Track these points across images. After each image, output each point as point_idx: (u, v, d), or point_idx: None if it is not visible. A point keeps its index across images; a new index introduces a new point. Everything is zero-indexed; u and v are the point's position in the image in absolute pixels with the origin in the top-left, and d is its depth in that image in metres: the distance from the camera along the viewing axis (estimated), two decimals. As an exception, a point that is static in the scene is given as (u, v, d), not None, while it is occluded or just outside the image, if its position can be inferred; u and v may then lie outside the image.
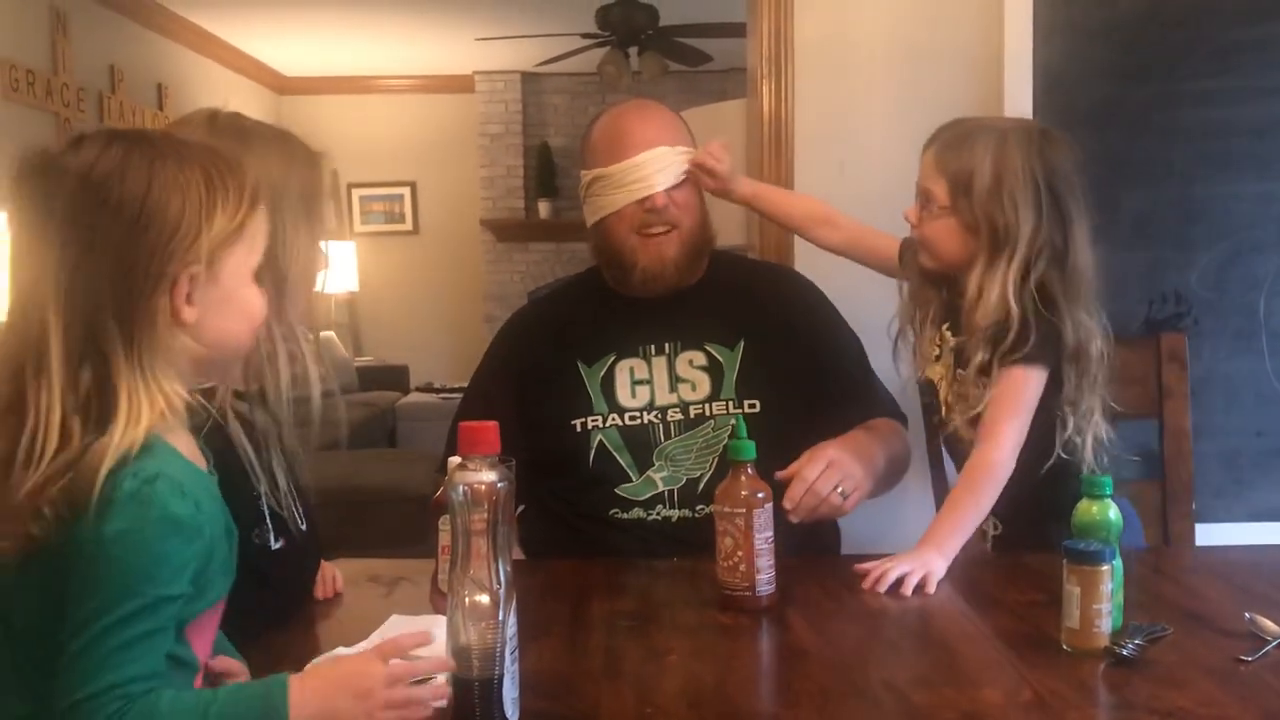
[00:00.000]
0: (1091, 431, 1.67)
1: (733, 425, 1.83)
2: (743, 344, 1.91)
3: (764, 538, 1.45)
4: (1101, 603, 1.27)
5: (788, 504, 1.62)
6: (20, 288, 0.96)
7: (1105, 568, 1.28)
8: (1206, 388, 2.28)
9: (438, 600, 1.42)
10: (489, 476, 1.05)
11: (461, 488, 1.05)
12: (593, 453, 1.87)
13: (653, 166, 1.84)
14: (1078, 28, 2.36)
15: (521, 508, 2.02)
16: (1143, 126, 2.37)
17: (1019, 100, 2.33)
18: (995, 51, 2.35)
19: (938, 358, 1.78)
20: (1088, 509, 1.40)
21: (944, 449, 1.92)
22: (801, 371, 1.88)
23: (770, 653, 1.37)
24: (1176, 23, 2.36)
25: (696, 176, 1.89)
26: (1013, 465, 1.61)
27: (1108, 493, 1.40)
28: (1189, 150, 2.37)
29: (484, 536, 1.05)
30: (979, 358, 1.65)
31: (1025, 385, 1.63)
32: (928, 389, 1.82)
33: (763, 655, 1.37)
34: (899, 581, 1.50)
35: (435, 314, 8.26)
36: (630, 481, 1.84)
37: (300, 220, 1.35)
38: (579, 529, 1.85)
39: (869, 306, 1.94)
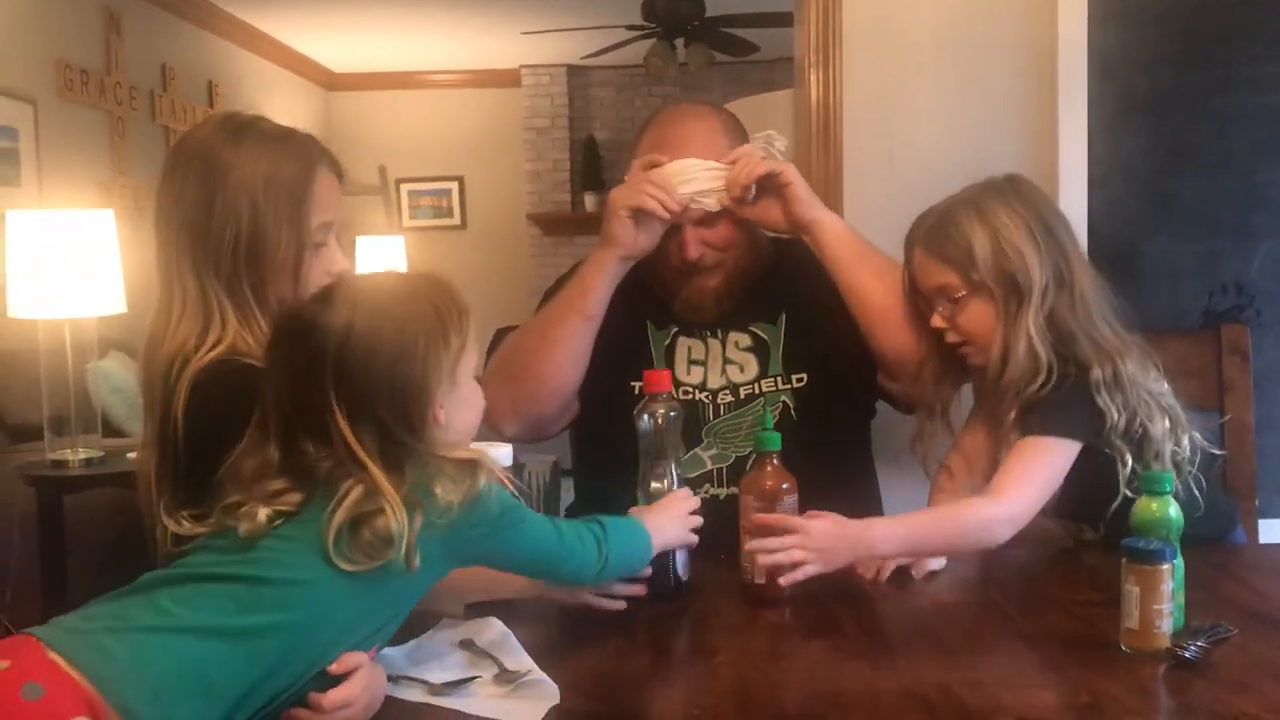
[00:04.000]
0: (1169, 445, 1.58)
1: (783, 402, 1.85)
2: (784, 317, 1.91)
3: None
4: (1162, 603, 1.24)
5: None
6: (308, 409, 1.14)
7: (1165, 567, 1.25)
8: (1270, 380, 2.22)
9: None
10: (665, 409, 1.50)
11: (647, 417, 1.49)
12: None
13: (676, 178, 1.79)
14: (1133, 13, 2.31)
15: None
16: (1201, 113, 2.32)
17: (1073, 88, 2.29)
18: (1049, 38, 2.31)
19: None
20: (1147, 506, 1.36)
21: None
22: (843, 335, 1.84)
23: (820, 653, 1.34)
24: (1234, 7, 2.30)
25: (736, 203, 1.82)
26: (1007, 537, 1.51)
27: (1168, 489, 1.36)
28: (1248, 137, 2.32)
29: (663, 449, 1.50)
30: (1011, 416, 1.59)
31: (1049, 456, 1.54)
32: None
33: (813, 657, 1.35)
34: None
35: (482, 308, 8.05)
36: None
37: (284, 213, 1.43)
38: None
39: None
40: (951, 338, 1.68)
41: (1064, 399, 1.56)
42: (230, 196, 1.41)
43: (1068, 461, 1.55)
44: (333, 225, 1.50)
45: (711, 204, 1.81)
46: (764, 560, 1.42)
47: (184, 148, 1.48)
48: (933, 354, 1.74)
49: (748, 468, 1.81)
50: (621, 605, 1.41)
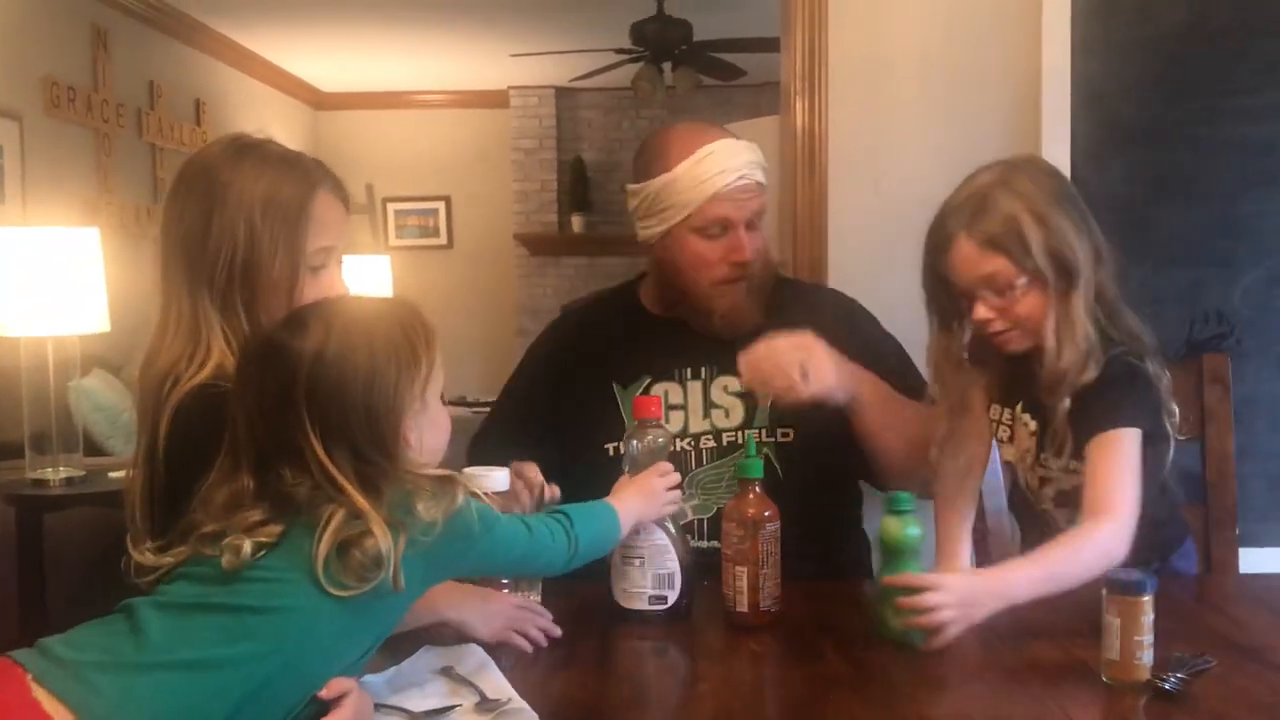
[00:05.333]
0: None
1: (765, 455, 1.80)
2: None
3: (768, 555, 1.46)
4: (1143, 634, 1.24)
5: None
6: (280, 435, 1.14)
7: (1146, 598, 1.25)
8: (1250, 409, 2.23)
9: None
10: (653, 435, 1.52)
11: (636, 443, 1.51)
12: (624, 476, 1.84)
13: (727, 155, 1.78)
14: (1117, 43, 2.32)
15: None
16: (1184, 143, 2.34)
17: (1057, 117, 2.30)
18: (1033, 67, 2.32)
19: (1009, 439, 1.68)
20: (891, 525, 1.42)
21: (1012, 513, 1.86)
22: (840, 411, 1.79)
23: (803, 683, 1.34)
24: (1217, 38, 2.32)
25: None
26: (1129, 544, 1.43)
27: (909, 508, 1.42)
28: (1231, 166, 2.33)
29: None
30: (1065, 405, 1.54)
31: (1128, 448, 1.49)
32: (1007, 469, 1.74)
33: (796, 685, 1.34)
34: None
35: (468, 328, 8.26)
36: None
37: (280, 234, 1.43)
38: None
39: (906, 313, 1.87)
40: (997, 326, 1.58)
41: (1122, 386, 1.53)
42: (228, 215, 1.41)
43: (1139, 448, 1.51)
44: (334, 250, 1.49)
45: (760, 176, 1.82)
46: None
47: (189, 166, 1.48)
48: (955, 352, 1.67)
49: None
50: (529, 648, 1.39)
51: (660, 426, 1.54)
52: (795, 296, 1.99)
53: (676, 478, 1.49)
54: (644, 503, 1.45)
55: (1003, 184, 1.56)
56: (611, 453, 1.83)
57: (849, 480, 1.95)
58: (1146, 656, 1.24)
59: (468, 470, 1.46)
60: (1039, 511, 1.68)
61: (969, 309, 1.59)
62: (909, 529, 1.41)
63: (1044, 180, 1.58)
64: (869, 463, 1.85)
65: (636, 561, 1.49)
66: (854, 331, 1.93)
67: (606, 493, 1.77)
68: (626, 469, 1.52)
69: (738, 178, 1.78)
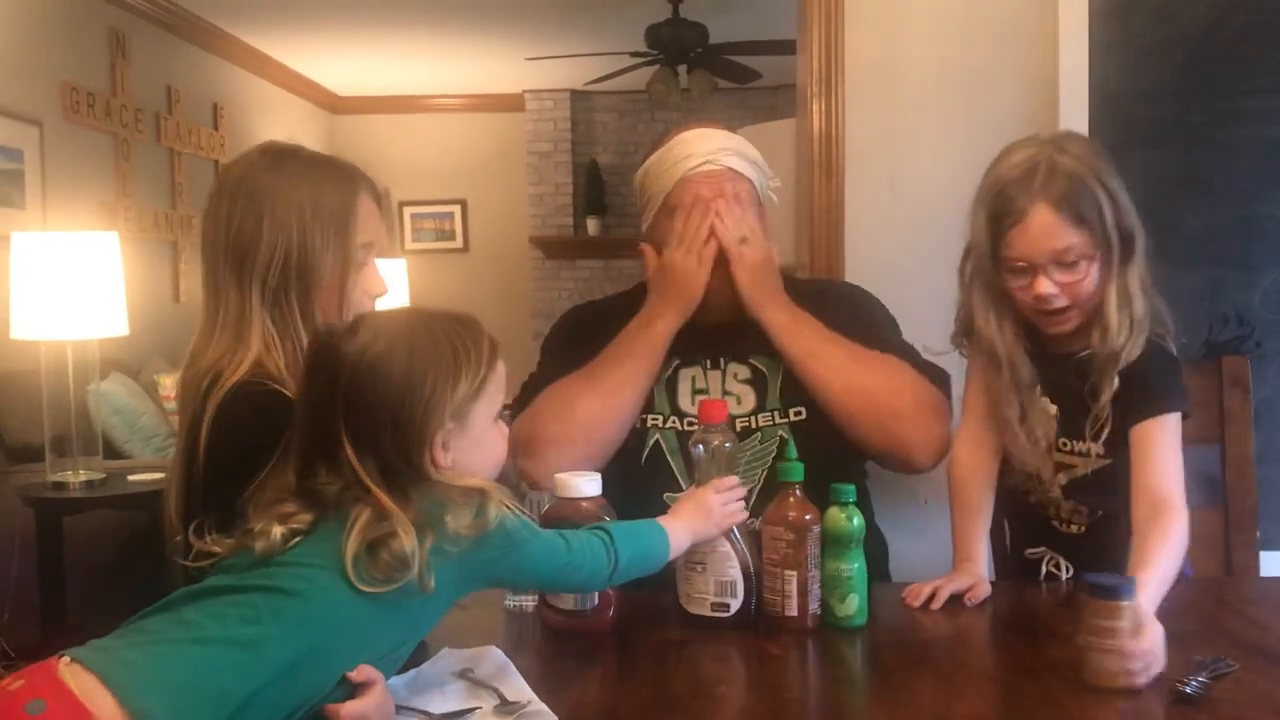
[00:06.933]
0: None
1: (780, 437, 1.83)
2: None
3: (812, 559, 1.45)
4: (1121, 639, 1.22)
5: None
6: (321, 433, 1.18)
7: (1126, 604, 1.23)
8: (1270, 411, 2.22)
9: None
10: (721, 439, 1.50)
11: (701, 448, 1.50)
12: (646, 451, 1.85)
13: (695, 141, 1.83)
14: (1135, 45, 2.32)
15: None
16: (1202, 144, 2.33)
17: (1075, 118, 2.29)
18: (1051, 69, 2.32)
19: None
20: (838, 517, 1.46)
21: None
22: None
23: (821, 685, 1.34)
24: (1236, 39, 2.31)
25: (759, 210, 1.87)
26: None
27: (852, 499, 1.47)
28: (1250, 168, 2.32)
29: (710, 477, 1.48)
30: (1114, 385, 1.52)
31: (1174, 434, 1.51)
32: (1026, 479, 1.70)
33: (814, 687, 1.34)
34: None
35: None
36: (679, 490, 1.80)
37: (330, 233, 1.49)
38: None
39: (924, 315, 1.90)
40: (1059, 303, 1.54)
41: (1163, 369, 1.54)
42: (279, 217, 1.47)
43: (1180, 432, 1.52)
44: (373, 246, 1.56)
45: (735, 163, 1.83)
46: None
47: (228, 177, 1.53)
48: (1004, 320, 1.62)
49: (771, 498, 1.80)
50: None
51: (726, 430, 1.53)
52: (798, 295, 1.98)
53: (738, 492, 1.48)
54: (699, 521, 1.44)
55: (1062, 152, 1.52)
56: (638, 424, 1.86)
57: (860, 461, 1.95)
58: (1126, 662, 1.22)
59: (559, 476, 1.49)
60: (1038, 501, 1.68)
61: (1022, 290, 1.54)
62: (853, 519, 1.46)
63: (1091, 147, 1.56)
64: (812, 396, 1.83)
65: (699, 568, 1.48)
66: (849, 308, 1.95)
67: (635, 464, 1.83)
68: (696, 476, 1.52)
69: (702, 162, 1.82)
